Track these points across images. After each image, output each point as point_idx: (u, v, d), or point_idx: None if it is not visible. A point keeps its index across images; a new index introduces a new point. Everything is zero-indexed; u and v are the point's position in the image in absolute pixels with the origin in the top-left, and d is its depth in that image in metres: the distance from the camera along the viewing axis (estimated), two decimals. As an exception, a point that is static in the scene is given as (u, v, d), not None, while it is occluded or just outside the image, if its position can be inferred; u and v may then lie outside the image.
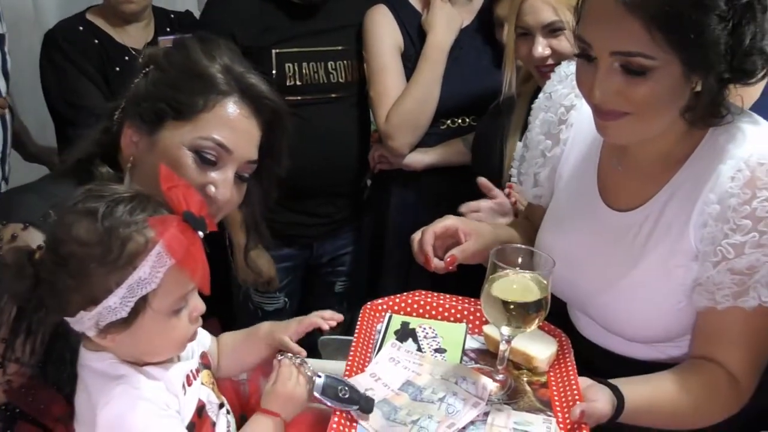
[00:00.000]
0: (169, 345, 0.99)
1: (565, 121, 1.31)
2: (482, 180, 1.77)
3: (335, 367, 1.32)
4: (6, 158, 1.92)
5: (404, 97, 1.94)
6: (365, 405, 1.05)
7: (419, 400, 1.08)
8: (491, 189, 1.77)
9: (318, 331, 2.27)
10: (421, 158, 2.02)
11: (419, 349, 1.21)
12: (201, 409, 1.01)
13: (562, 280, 1.16)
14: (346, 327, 2.32)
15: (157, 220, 0.90)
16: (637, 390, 1.10)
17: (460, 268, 1.43)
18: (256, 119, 1.17)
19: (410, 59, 1.97)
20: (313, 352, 1.60)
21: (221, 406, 1.08)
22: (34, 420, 1.03)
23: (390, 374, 1.13)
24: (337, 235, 2.18)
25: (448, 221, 1.34)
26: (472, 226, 1.36)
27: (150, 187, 1.05)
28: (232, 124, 1.14)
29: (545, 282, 1.07)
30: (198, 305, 0.98)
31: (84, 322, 0.92)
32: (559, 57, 1.65)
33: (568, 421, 1.05)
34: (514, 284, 1.08)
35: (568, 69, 1.33)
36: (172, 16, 2.31)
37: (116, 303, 0.90)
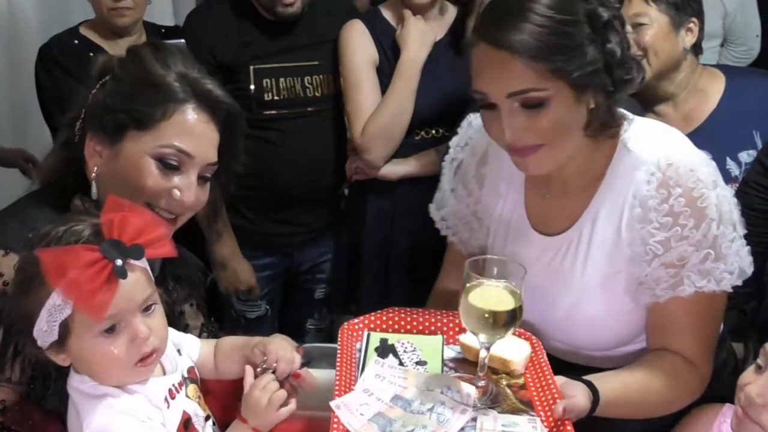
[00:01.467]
0: (117, 368, 1.00)
1: (487, 162, 1.39)
2: None
3: (322, 375, 1.37)
4: None
5: (379, 112, 1.98)
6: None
7: (410, 412, 1.12)
8: None
9: (300, 340, 2.34)
10: (395, 169, 2.07)
11: (401, 364, 1.25)
12: (187, 422, 1.06)
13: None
14: (327, 333, 2.40)
15: (40, 252, 0.94)
16: (608, 383, 1.17)
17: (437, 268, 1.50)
18: (214, 123, 1.21)
19: (385, 73, 2.01)
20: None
21: (207, 418, 1.13)
22: None
23: (379, 389, 1.17)
24: (316, 243, 2.23)
25: None
26: None
27: (119, 194, 1.08)
28: (191, 131, 1.18)
29: (518, 290, 1.12)
30: (138, 329, 0.99)
31: (39, 339, 0.98)
32: None
33: (551, 418, 1.11)
34: (490, 293, 1.13)
35: (477, 120, 1.38)
36: (163, 30, 2.36)
37: (43, 328, 0.96)
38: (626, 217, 1.21)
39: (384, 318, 1.36)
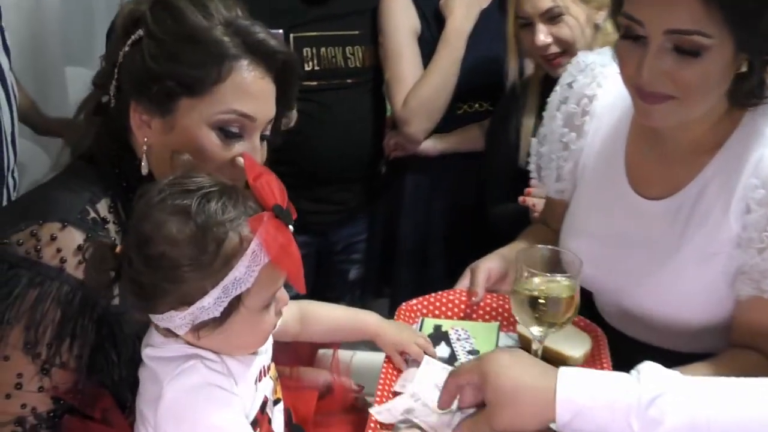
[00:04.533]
0: (257, 339, 0.95)
1: (588, 112, 1.29)
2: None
3: (364, 358, 1.32)
4: (15, 138, 1.87)
5: (421, 84, 1.92)
6: None
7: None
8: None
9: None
10: (436, 144, 2.01)
11: (453, 353, 1.19)
12: (264, 405, 0.99)
13: (592, 272, 1.15)
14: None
15: (254, 219, 0.85)
16: None
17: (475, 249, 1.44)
18: (270, 76, 1.08)
19: (427, 43, 1.95)
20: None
21: (276, 402, 1.05)
22: (79, 412, 1.00)
23: (427, 392, 1.10)
24: (351, 222, 2.16)
25: (482, 272, 1.32)
26: (493, 263, 1.34)
27: (168, 169, 1.02)
28: (250, 90, 1.04)
29: (573, 282, 1.07)
30: (284, 297, 0.94)
31: (174, 320, 0.88)
32: (561, 44, 1.66)
33: None
34: (542, 285, 1.07)
35: (586, 59, 1.32)
36: None
37: (210, 303, 0.86)
38: (742, 198, 1.10)
39: (443, 300, 1.31)
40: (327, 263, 2.21)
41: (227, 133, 1.04)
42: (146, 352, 0.95)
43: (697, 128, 1.13)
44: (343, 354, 1.23)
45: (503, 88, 1.92)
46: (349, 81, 1.98)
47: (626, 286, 1.22)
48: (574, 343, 1.16)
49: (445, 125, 2.00)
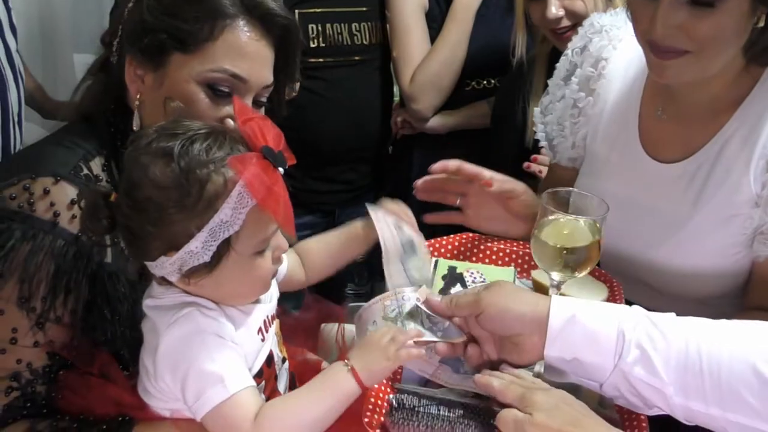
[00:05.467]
0: (254, 287, 0.94)
1: (603, 75, 1.28)
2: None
3: None
4: (21, 119, 1.87)
5: (429, 59, 1.91)
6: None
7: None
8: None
9: (345, 300, 2.27)
10: (445, 121, 2.00)
11: None
12: (269, 359, 0.98)
13: (605, 237, 1.12)
14: (367, 299, 2.32)
15: (236, 159, 0.84)
16: None
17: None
18: (267, 39, 1.06)
19: (435, 19, 1.94)
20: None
21: (284, 360, 1.05)
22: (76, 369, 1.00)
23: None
24: (358, 202, 2.13)
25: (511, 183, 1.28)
26: (527, 195, 1.29)
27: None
28: (243, 51, 1.03)
29: (598, 225, 1.03)
30: (281, 244, 0.93)
31: (165, 267, 0.88)
32: (573, 17, 1.63)
33: None
34: (565, 229, 1.05)
35: (601, 20, 1.30)
36: None
37: (198, 248, 0.85)
38: (761, 156, 1.07)
39: (456, 243, 1.29)
40: (335, 244, 2.21)
41: (216, 92, 1.03)
42: (146, 303, 0.94)
43: (713, 86, 1.11)
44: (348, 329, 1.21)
45: (512, 65, 1.90)
46: (355, 58, 1.97)
47: (638, 252, 1.20)
48: (590, 292, 1.14)
49: (453, 102, 1.99)
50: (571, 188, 1.14)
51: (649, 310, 1.20)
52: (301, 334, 1.21)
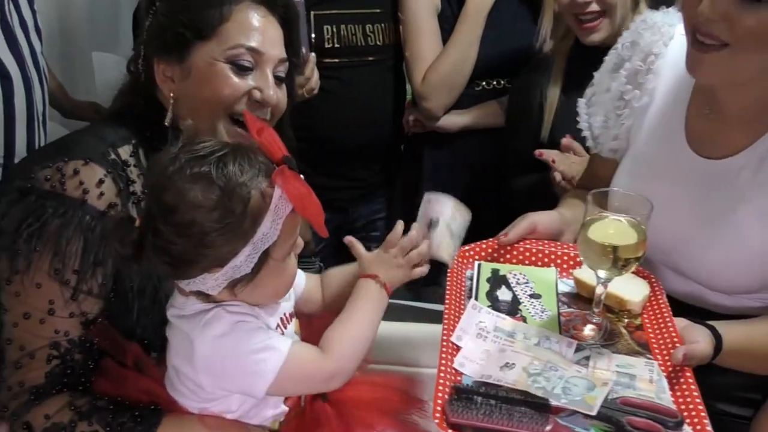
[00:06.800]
0: (286, 287, 1.01)
1: (652, 70, 1.29)
2: (565, 140, 1.73)
3: (392, 329, 1.37)
4: (46, 119, 1.92)
5: (441, 59, 1.94)
6: None
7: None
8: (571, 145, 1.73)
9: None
10: (456, 120, 2.02)
11: (515, 297, 1.19)
12: None
13: None
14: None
15: (276, 174, 0.90)
16: (733, 330, 1.09)
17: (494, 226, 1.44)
18: (273, 17, 1.17)
19: (447, 20, 1.97)
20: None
21: None
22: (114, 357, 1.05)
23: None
24: (371, 199, 2.19)
25: (527, 221, 1.32)
26: (546, 217, 1.35)
27: (195, 117, 1.09)
28: (254, 27, 1.14)
29: (643, 225, 1.06)
30: (300, 240, 0.99)
31: (207, 282, 0.92)
32: (602, 3, 1.64)
33: (669, 363, 1.04)
34: (610, 228, 1.07)
35: (655, 17, 1.31)
36: None
37: (242, 261, 0.90)
38: None
39: (496, 246, 1.30)
40: (348, 241, 2.24)
41: (239, 66, 1.13)
42: (170, 313, 0.99)
43: (754, 90, 1.11)
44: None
45: (522, 64, 1.93)
46: (369, 59, 2.00)
47: (677, 243, 1.22)
48: (633, 288, 1.16)
49: (463, 103, 2.01)
50: (615, 189, 1.17)
51: (683, 299, 1.25)
52: (317, 334, 1.26)
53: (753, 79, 1.09)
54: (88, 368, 1.05)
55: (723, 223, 1.16)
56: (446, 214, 1.18)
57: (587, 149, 1.54)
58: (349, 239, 1.18)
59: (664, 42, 1.26)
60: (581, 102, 1.44)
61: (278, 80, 1.18)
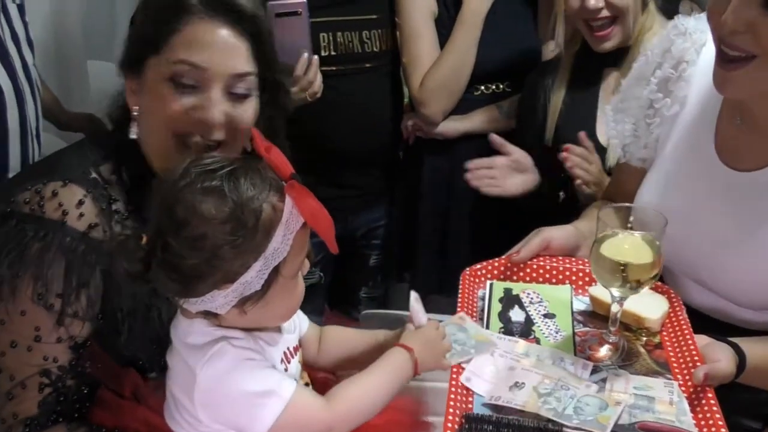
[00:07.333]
0: (294, 307, 0.98)
1: (683, 78, 1.26)
2: (493, 137, 1.75)
3: None
4: (39, 132, 1.90)
5: (439, 64, 1.91)
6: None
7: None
8: (504, 145, 1.74)
9: (353, 309, 2.27)
10: (455, 125, 2.00)
11: (528, 317, 1.16)
12: None
13: (668, 241, 1.08)
14: (380, 302, 2.34)
15: (289, 188, 0.88)
16: (757, 347, 1.05)
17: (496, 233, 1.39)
18: (234, 30, 1.09)
19: (444, 25, 1.94)
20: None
21: (306, 385, 1.07)
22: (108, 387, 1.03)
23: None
24: (370, 207, 2.16)
25: (540, 237, 1.29)
26: (560, 232, 1.31)
27: (151, 131, 1.07)
28: (203, 41, 1.06)
29: (657, 242, 1.02)
30: (306, 261, 0.96)
31: (216, 300, 0.89)
32: (613, 9, 1.62)
33: (690, 383, 1.00)
34: (624, 244, 1.03)
35: (687, 23, 1.28)
36: None
37: (252, 277, 0.88)
38: None
39: (509, 263, 1.27)
40: (348, 249, 2.21)
41: (178, 84, 1.06)
42: (174, 335, 0.97)
43: None
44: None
45: (522, 68, 1.91)
46: (366, 65, 1.97)
47: (700, 255, 1.19)
48: (651, 305, 1.13)
49: (462, 108, 1.99)
50: (630, 204, 1.14)
51: (708, 313, 1.23)
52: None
53: None
54: (82, 394, 1.02)
55: (752, 237, 1.13)
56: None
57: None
58: None
59: (696, 49, 1.23)
60: (608, 109, 1.41)
61: (237, 97, 1.10)
